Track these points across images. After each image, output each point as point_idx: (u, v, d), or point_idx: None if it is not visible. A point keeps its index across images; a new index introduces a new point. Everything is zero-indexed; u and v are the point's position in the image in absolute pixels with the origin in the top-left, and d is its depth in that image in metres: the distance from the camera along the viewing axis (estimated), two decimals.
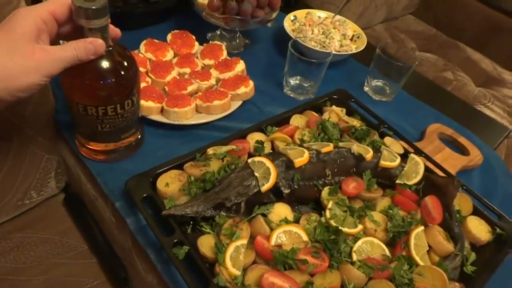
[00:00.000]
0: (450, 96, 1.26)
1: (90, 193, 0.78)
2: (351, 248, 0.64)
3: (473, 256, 0.69)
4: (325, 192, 0.71)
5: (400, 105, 1.06)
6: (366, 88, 1.09)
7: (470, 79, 1.70)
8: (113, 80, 0.65)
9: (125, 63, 0.67)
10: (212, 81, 0.92)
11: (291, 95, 1.02)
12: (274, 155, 0.71)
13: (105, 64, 0.64)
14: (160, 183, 0.68)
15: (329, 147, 0.73)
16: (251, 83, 0.92)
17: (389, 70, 1.03)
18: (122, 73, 0.66)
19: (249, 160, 0.69)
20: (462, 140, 0.98)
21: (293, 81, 1.02)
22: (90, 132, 0.71)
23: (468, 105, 1.26)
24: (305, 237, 0.64)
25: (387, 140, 0.85)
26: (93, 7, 0.56)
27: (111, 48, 0.64)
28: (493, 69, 1.80)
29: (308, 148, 0.72)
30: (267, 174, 0.67)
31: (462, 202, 0.76)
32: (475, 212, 0.76)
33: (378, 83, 1.08)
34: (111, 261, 0.80)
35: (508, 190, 0.90)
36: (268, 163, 0.68)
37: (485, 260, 0.69)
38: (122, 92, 0.67)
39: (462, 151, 0.96)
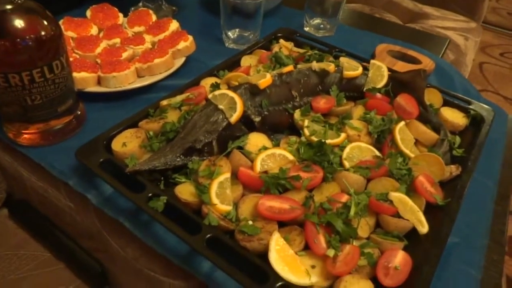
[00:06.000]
0: (388, 22, 1.27)
1: (37, 186, 0.67)
2: (341, 157, 0.60)
3: (458, 140, 0.67)
4: (297, 114, 0.66)
5: (344, 37, 1.05)
6: (306, 28, 1.07)
7: (398, 18, 1.75)
8: (32, 36, 0.55)
9: (44, 21, 0.58)
10: (147, 45, 0.84)
11: (235, 47, 0.96)
12: (235, 86, 0.65)
13: (18, 22, 0.55)
14: (116, 145, 0.60)
15: (289, 67, 0.68)
16: (190, 37, 0.85)
17: (323, 6, 1.02)
18: (43, 33, 0.57)
19: (210, 95, 0.62)
20: (411, 52, 0.98)
21: (232, 34, 0.96)
22: (19, 109, 0.60)
23: (407, 27, 1.28)
24: (290, 157, 0.58)
25: (343, 59, 0.82)
26: None
27: (20, 1, 0.55)
28: (414, 6, 1.87)
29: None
30: (233, 104, 0.60)
31: (432, 97, 0.75)
32: (445, 104, 0.75)
33: (316, 21, 1.06)
34: (81, 260, 0.70)
35: (465, 86, 0.91)
36: (231, 93, 0.61)
37: (470, 141, 0.68)
38: (46, 52, 0.58)
39: (414, 62, 0.96)
